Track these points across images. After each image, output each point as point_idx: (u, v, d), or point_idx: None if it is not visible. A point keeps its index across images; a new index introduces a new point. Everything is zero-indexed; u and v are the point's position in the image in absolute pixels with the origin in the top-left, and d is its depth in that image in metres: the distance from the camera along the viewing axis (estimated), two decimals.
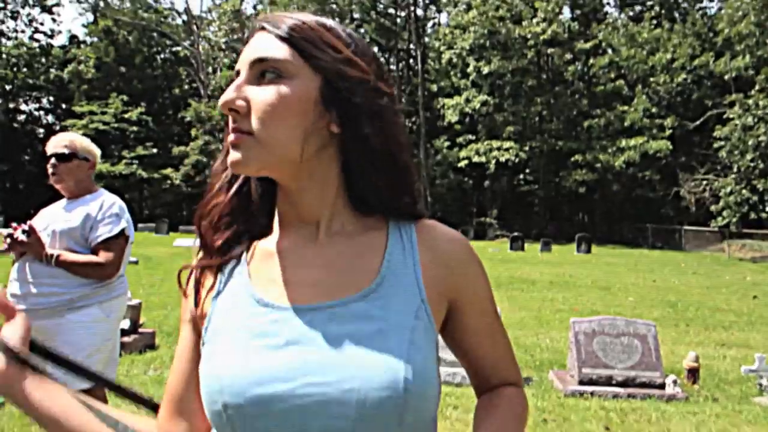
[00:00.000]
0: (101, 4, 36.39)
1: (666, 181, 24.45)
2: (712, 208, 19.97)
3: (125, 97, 30.49)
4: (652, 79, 24.92)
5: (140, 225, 23.44)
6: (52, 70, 34.08)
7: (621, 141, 24.11)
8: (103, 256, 2.19)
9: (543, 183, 27.47)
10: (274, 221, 0.69)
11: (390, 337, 0.58)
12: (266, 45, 0.61)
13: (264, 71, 0.60)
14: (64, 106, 33.19)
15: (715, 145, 20.16)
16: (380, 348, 0.57)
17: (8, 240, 2.14)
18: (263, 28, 0.63)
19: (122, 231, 2.26)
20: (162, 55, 37.31)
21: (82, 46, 35.94)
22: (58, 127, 31.82)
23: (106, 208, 2.27)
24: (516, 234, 20.59)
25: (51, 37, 36.56)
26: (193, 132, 29.97)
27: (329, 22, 0.64)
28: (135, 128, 29.67)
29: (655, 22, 26.43)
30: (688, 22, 25.46)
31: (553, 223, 27.32)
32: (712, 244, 21.14)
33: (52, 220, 2.25)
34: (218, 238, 0.67)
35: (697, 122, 23.48)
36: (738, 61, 21.81)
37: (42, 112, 35.64)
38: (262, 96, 0.59)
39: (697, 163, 22.77)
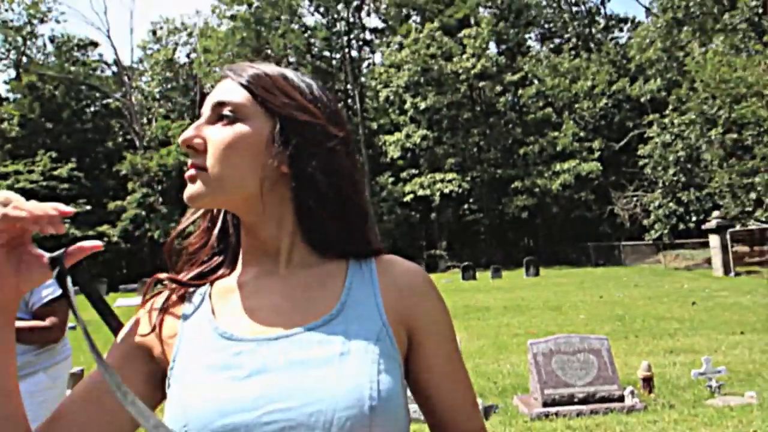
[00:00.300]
0: (24, 59, 35.06)
1: (600, 200, 25.78)
2: (645, 222, 21.16)
3: (54, 154, 29.12)
4: (576, 106, 26.54)
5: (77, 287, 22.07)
6: None
7: (555, 165, 25.35)
8: (48, 320, 2.09)
9: (487, 211, 28.25)
10: (239, 257, 0.71)
11: (353, 359, 0.59)
12: (227, 90, 0.66)
13: (222, 113, 0.65)
14: None
15: (640, 163, 21.54)
16: (343, 370, 0.58)
17: None
18: (227, 76, 0.68)
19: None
20: (92, 108, 36.11)
21: (5, 103, 34.30)
22: None
23: None
24: (467, 263, 20.92)
25: None
26: (129, 185, 28.92)
27: (289, 72, 0.69)
28: (66, 185, 28.27)
29: (573, 53, 28.39)
30: (603, 51, 27.52)
31: (500, 249, 28.03)
32: (648, 257, 22.30)
33: None
34: (188, 272, 0.69)
35: (622, 143, 25.10)
36: (651, 85, 23.65)
37: None
38: (219, 135, 0.64)
39: (626, 180, 24.21)
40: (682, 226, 19.71)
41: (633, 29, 30.55)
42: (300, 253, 0.69)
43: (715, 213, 16.59)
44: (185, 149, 0.65)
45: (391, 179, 29.40)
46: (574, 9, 32.23)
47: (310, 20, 35.39)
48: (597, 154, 25.11)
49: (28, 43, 35.69)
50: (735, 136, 17.16)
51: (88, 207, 27.87)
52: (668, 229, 19.71)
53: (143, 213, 27.61)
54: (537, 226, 29.00)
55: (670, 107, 20.95)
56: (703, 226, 16.87)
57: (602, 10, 32.43)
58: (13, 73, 35.23)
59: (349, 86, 34.68)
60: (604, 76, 25.80)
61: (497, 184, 27.79)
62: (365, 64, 37.53)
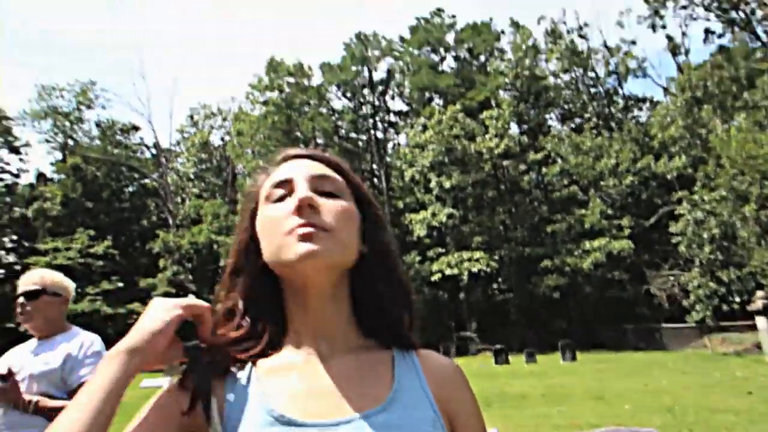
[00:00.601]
0: (70, 142, 37.33)
1: (635, 279, 25.10)
2: (684, 302, 20.41)
3: (91, 232, 30.17)
4: (602, 183, 26.62)
5: None
6: (16, 208, 33.78)
7: (585, 243, 25.04)
8: None
9: (517, 290, 27.71)
10: (281, 339, 0.73)
11: None
12: (320, 167, 0.72)
13: (324, 190, 0.71)
14: (26, 244, 32.45)
15: (674, 241, 21.14)
16: None
17: None
18: (307, 156, 0.76)
19: None
20: (130, 188, 37.77)
21: (49, 183, 36.13)
22: (19, 267, 30.78)
23: (87, 347, 2.17)
24: (499, 347, 20.26)
25: (17, 176, 36.78)
26: (161, 263, 29.50)
27: None
28: (101, 263, 29.01)
29: (595, 131, 28.93)
30: (625, 130, 27.96)
31: (533, 330, 27.15)
32: (692, 340, 21.24)
33: (25, 363, 2.11)
34: (231, 345, 0.69)
35: (652, 220, 24.80)
36: (676, 162, 23.72)
37: (3, 252, 34.62)
38: (334, 204, 0.69)
39: (660, 259, 23.65)
40: (725, 307, 18.92)
41: (652, 108, 31.19)
42: (350, 338, 0.72)
43: (760, 293, 15.95)
44: (305, 206, 0.66)
45: (417, 258, 29.35)
46: (592, 90, 33.22)
47: (337, 104, 37.24)
48: (627, 232, 24.77)
49: (75, 127, 38.17)
50: None
51: (120, 284, 28.40)
52: (710, 310, 18.93)
53: (173, 291, 27.91)
54: (570, 306, 28.19)
55: (699, 184, 20.86)
56: (748, 307, 16.18)
57: (620, 91, 33.35)
58: (59, 155, 37.41)
59: (374, 166, 35.69)
60: (627, 154, 26.06)
61: (526, 263, 27.44)
62: (390, 144, 38.83)
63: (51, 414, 1.99)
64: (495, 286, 28.53)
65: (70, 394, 2.06)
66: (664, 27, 31.17)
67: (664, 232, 22.68)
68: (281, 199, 0.71)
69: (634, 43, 31.83)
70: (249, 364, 0.68)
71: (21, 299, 2.19)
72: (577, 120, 33.62)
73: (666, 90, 30.71)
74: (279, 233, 0.67)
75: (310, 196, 0.66)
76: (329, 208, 0.67)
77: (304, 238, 0.64)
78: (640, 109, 33.81)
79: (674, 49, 31.48)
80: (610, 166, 26.27)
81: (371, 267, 0.71)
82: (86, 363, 2.12)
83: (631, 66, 31.73)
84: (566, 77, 33.58)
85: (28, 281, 2.24)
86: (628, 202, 26.38)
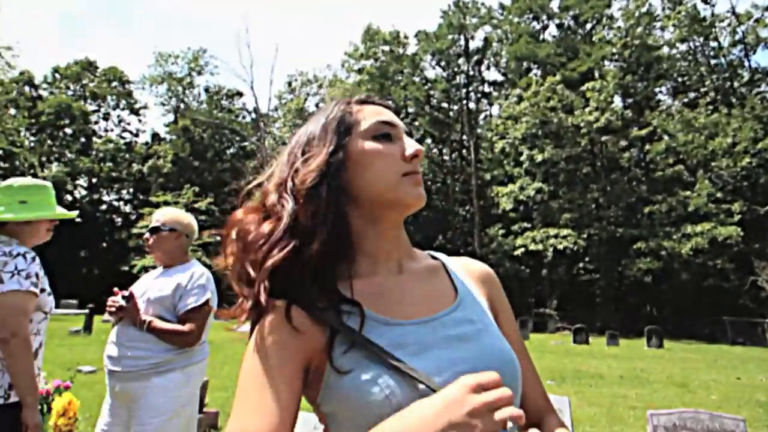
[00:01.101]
0: (182, 106, 40.44)
1: (740, 269, 22.91)
2: None
3: (196, 189, 32.80)
4: (713, 164, 24.30)
5: None
6: (134, 164, 37.46)
7: (686, 227, 23.15)
8: (187, 326, 2.32)
9: (604, 272, 26.42)
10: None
11: (489, 331, 0.78)
12: (401, 122, 0.86)
13: (411, 137, 0.85)
14: (141, 196, 35.98)
15: None
16: (487, 339, 0.76)
17: (110, 305, 2.35)
18: (389, 108, 0.88)
19: (207, 302, 2.39)
20: (231, 150, 40.37)
21: (162, 143, 39.57)
22: (134, 216, 34.29)
23: (195, 279, 2.42)
24: (579, 326, 19.60)
25: (136, 135, 40.69)
26: None
27: None
28: (203, 217, 31.54)
29: (711, 107, 26.28)
30: (747, 107, 25.12)
31: (618, 314, 25.85)
32: None
33: (148, 288, 2.44)
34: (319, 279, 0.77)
35: None
36: None
37: (121, 203, 38.75)
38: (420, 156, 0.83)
39: None
40: None
41: None
42: (410, 253, 0.87)
43: None
44: (417, 157, 0.80)
45: (501, 231, 28.82)
46: (713, 62, 30.04)
47: (431, 73, 36.84)
48: (737, 218, 22.52)
49: (187, 92, 41.22)
50: None
51: (218, 237, 30.62)
52: None
53: None
54: (662, 292, 26.40)
55: None
56: None
57: (746, 63, 29.84)
58: (171, 117, 40.74)
59: (464, 137, 35.15)
60: (747, 133, 23.47)
61: (617, 244, 25.97)
62: (482, 115, 37.93)
63: (158, 333, 2.30)
64: (581, 265, 27.36)
65: (179, 318, 2.36)
66: None
67: None
68: (385, 136, 0.80)
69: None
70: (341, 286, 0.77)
71: (146, 234, 2.55)
72: (692, 94, 30.62)
73: None
74: (393, 172, 0.78)
75: (422, 148, 0.80)
76: (419, 161, 0.82)
77: (418, 184, 0.79)
78: None
79: None
80: (725, 146, 23.86)
81: None
82: (192, 293, 2.38)
83: (763, 35, 28.18)
84: (683, 47, 30.61)
85: (153, 218, 2.59)
86: (742, 185, 23.89)
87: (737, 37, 29.06)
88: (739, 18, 28.70)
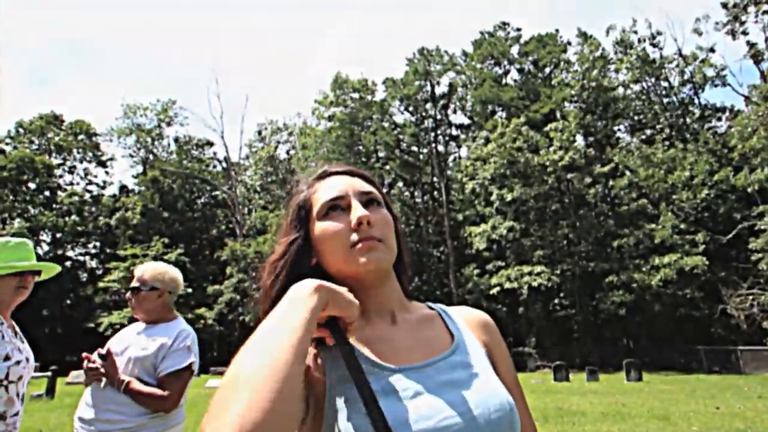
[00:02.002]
0: (151, 157, 40.17)
1: (709, 298, 23.48)
2: (765, 324, 18.85)
3: (166, 240, 32.17)
4: (674, 197, 25.21)
5: None
6: (101, 217, 36.67)
7: (654, 259, 23.73)
8: (166, 390, 2.20)
9: (579, 307, 26.67)
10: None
11: (485, 376, 0.79)
12: (362, 183, 0.89)
13: (369, 200, 0.86)
14: (108, 250, 35.07)
15: (753, 258, 19.63)
16: (483, 385, 0.77)
17: (86, 364, 2.23)
18: (348, 173, 0.93)
19: (189, 365, 2.29)
20: (202, 200, 40.02)
21: (130, 194, 39.00)
22: (101, 271, 33.29)
23: (180, 340, 2.31)
24: (559, 363, 19.56)
25: (103, 187, 40.00)
26: (228, 270, 30.90)
27: None
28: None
29: (667, 143, 27.48)
30: (701, 141, 26.37)
31: (596, 349, 25.94)
32: None
33: (130, 345, 2.32)
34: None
35: (729, 236, 23.17)
36: (758, 174, 22.10)
37: (87, 257, 37.63)
38: (381, 216, 0.84)
39: (739, 277, 22.01)
40: None
41: (732, 118, 29.24)
42: (403, 304, 0.90)
43: None
44: (364, 223, 0.81)
45: (476, 271, 28.96)
46: (665, 100, 31.67)
47: (399, 118, 37.69)
48: (701, 248, 23.24)
49: (156, 143, 41.07)
50: None
51: (190, 290, 30.00)
52: None
53: (237, 297, 29.11)
54: (637, 324, 26.72)
55: None
56: None
57: (696, 101, 31.55)
58: (140, 168, 40.34)
59: (435, 179, 35.73)
60: (703, 166, 24.56)
61: (590, 278, 26.35)
62: (451, 157, 38.76)
63: (135, 396, 2.17)
64: (556, 301, 27.57)
65: (159, 380, 2.23)
66: (745, 33, 29.30)
67: (743, 248, 21.12)
68: (335, 210, 0.85)
69: (712, 50, 30.10)
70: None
71: (128, 294, 2.46)
72: (648, 131, 32.07)
73: (747, 99, 28.71)
74: (343, 246, 0.82)
75: (367, 214, 0.82)
76: (378, 221, 0.83)
77: (366, 250, 0.81)
78: (719, 119, 31.76)
79: (756, 56, 29.47)
80: (683, 179, 24.85)
81: (402, 252, 0.91)
82: (176, 355, 2.26)
83: (709, 74, 29.98)
84: (637, 87, 32.23)
85: (135, 277, 2.49)
86: (704, 216, 24.79)
87: (686, 77, 30.82)
88: (686, 59, 30.54)
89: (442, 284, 31.31)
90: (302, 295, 0.71)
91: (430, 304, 0.96)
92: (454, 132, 38.44)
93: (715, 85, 30.37)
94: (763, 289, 20.19)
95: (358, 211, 0.83)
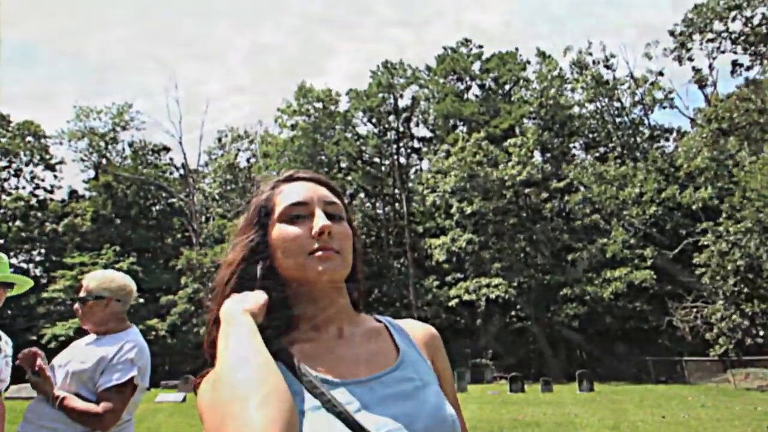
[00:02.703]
0: (104, 161, 38.72)
1: (657, 311, 24.47)
2: (708, 335, 19.77)
3: (117, 248, 30.96)
4: (625, 213, 26.22)
5: None
6: (47, 223, 34.98)
7: (606, 272, 24.59)
8: (102, 407, 2.04)
9: (535, 318, 27.27)
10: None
11: (429, 391, 0.81)
12: (327, 193, 0.89)
13: (333, 211, 0.87)
14: (54, 258, 33.44)
15: (697, 272, 20.62)
16: (425, 397, 0.79)
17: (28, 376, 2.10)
18: (314, 180, 0.93)
19: (131, 379, 2.13)
20: (157, 207, 38.79)
21: (81, 200, 37.41)
22: (46, 280, 31.69)
23: (123, 352, 2.16)
24: (514, 374, 19.88)
25: (51, 192, 38.18)
26: (183, 280, 30.00)
27: None
28: None
29: (619, 161, 28.65)
30: (650, 160, 27.64)
31: (550, 360, 26.54)
32: (715, 375, 20.51)
33: (72, 358, 2.18)
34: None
35: (675, 251, 24.28)
36: (702, 193, 23.29)
37: (31, 265, 35.78)
38: (341, 229, 0.85)
39: (684, 291, 23.06)
40: (749, 341, 18.25)
41: (679, 138, 30.79)
42: (352, 317, 0.91)
43: None
44: (324, 234, 0.82)
45: (436, 283, 29.20)
46: (618, 120, 33.05)
47: (362, 129, 37.84)
48: (649, 263, 24.26)
49: (109, 147, 39.64)
50: None
51: (141, 300, 28.92)
52: (734, 344, 18.30)
53: (191, 308, 28.26)
54: (589, 336, 27.55)
55: (724, 215, 20.41)
56: None
57: (646, 121, 33.08)
58: (92, 173, 38.78)
59: (396, 191, 35.93)
60: (652, 184, 25.70)
61: (545, 291, 27.01)
62: (413, 170, 39.12)
63: (69, 413, 2.01)
64: (513, 313, 28.09)
65: (97, 396, 2.07)
66: (690, 59, 31.01)
67: (688, 263, 22.16)
68: (297, 217, 0.85)
69: (661, 74, 31.69)
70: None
71: (75, 305, 2.30)
72: (602, 149, 33.36)
73: (693, 121, 30.32)
74: (301, 252, 0.82)
75: (329, 224, 0.82)
76: (338, 233, 0.84)
77: (323, 260, 0.81)
78: (667, 139, 33.40)
79: (701, 81, 31.21)
80: (633, 196, 25.91)
81: (356, 266, 0.91)
82: (116, 369, 2.11)
83: (658, 97, 31.53)
84: (591, 107, 33.52)
85: (82, 286, 2.33)
86: (652, 231, 25.90)
87: (636, 98, 32.30)
88: (637, 81, 32.02)
89: (401, 295, 31.39)
90: (237, 313, 0.74)
91: (378, 317, 0.96)
92: (416, 145, 38.87)
93: (664, 107, 31.96)
94: (706, 302, 21.20)
95: (320, 220, 0.83)
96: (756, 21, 27.70)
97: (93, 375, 2.10)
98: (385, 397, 0.76)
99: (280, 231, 0.85)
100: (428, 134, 38.55)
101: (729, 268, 18.61)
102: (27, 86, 70.18)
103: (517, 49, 36.69)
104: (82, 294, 2.29)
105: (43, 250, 35.18)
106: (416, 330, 0.94)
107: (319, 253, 0.82)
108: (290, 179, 0.92)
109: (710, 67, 31.08)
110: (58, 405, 2.03)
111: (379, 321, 0.94)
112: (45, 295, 28.18)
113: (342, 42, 74.31)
